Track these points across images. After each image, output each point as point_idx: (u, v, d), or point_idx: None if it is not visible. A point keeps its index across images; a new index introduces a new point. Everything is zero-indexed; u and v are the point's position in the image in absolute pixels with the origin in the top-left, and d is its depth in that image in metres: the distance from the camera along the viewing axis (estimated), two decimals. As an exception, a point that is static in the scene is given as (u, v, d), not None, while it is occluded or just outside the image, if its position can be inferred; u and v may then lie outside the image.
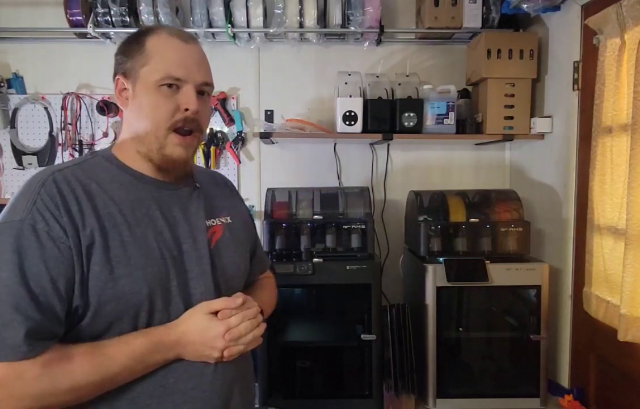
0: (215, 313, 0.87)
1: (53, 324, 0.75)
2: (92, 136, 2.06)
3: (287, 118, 1.98)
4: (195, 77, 0.88)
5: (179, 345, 0.84)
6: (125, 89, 0.90)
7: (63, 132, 2.05)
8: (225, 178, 1.16)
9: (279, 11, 1.86)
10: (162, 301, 0.84)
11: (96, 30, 1.89)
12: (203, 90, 0.91)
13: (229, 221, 1.02)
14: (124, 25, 1.88)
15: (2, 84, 2.03)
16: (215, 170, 1.18)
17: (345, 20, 1.91)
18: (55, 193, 0.79)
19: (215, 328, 0.85)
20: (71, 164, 0.87)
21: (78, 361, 0.76)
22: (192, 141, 0.90)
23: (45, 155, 2.05)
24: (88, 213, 0.80)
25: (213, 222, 0.97)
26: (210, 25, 1.92)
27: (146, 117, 0.87)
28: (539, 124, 1.79)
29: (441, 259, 1.61)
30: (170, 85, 0.86)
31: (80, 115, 2.05)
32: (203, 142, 1.98)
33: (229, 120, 2.05)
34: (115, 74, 0.92)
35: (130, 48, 0.89)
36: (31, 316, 0.73)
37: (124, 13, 1.86)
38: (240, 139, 2.07)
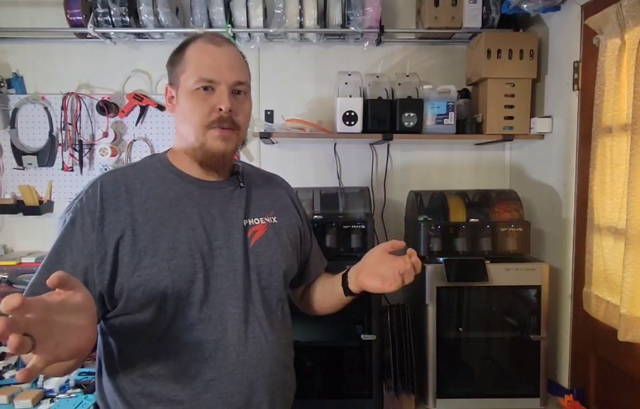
0: None
1: None
2: (92, 136, 2.06)
3: (287, 118, 1.98)
4: (227, 78, 0.94)
5: None
6: (172, 96, 0.98)
7: (63, 132, 2.04)
8: (285, 182, 1.21)
9: (279, 11, 1.86)
10: (185, 292, 0.90)
11: (96, 30, 1.88)
12: (237, 89, 0.96)
13: (275, 221, 1.05)
14: (124, 25, 1.88)
15: (2, 84, 2.03)
16: (276, 174, 1.23)
17: (345, 21, 1.91)
18: (97, 193, 0.91)
19: None
20: (129, 165, 1.00)
21: None
22: (231, 135, 0.96)
23: (46, 155, 2.05)
24: (124, 210, 0.90)
25: (256, 221, 1.02)
26: (210, 26, 1.91)
27: (187, 120, 0.95)
28: (539, 124, 1.79)
29: (441, 259, 1.61)
30: (205, 88, 0.93)
31: (80, 115, 2.05)
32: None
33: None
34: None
35: (175, 58, 0.98)
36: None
37: (124, 13, 1.86)
38: (240, 139, 2.07)
